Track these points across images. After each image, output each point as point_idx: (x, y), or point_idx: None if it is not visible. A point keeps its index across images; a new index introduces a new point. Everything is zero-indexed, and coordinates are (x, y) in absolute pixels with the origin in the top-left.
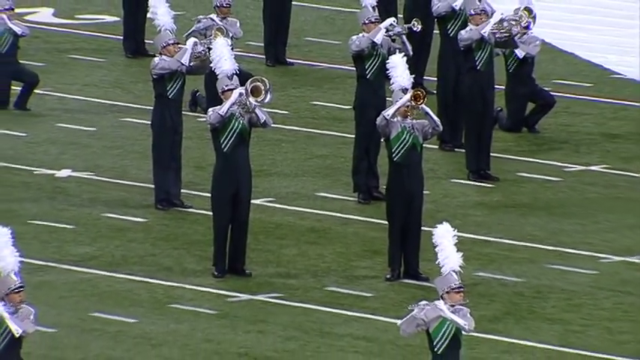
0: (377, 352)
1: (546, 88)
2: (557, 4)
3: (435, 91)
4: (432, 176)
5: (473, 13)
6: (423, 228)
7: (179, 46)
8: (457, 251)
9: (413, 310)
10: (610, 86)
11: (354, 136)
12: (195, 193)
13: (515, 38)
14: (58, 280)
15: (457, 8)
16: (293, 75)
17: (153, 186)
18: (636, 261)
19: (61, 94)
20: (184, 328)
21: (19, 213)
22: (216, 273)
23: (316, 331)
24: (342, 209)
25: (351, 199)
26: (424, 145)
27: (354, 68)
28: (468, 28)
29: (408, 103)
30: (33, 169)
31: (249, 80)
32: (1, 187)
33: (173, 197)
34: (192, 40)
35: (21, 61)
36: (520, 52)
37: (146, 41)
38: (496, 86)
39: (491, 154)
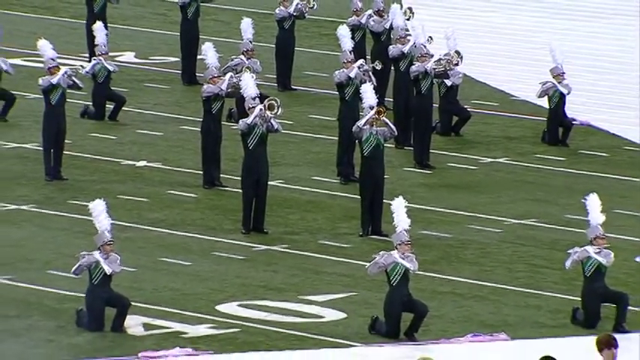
0: (353, 285)
1: (466, 106)
2: (474, 49)
3: (391, 108)
4: (390, 166)
5: (420, 55)
6: (384, 201)
7: (220, 78)
8: (407, 216)
9: (375, 257)
10: (510, 105)
11: (337, 138)
12: (230, 177)
13: (448, 72)
14: (137, 236)
15: (406, 52)
16: (296, 97)
17: (202, 172)
18: (528, 223)
19: (140, 110)
20: (222, 269)
21: (110, 190)
22: (244, 231)
23: (312, 271)
24: (330, 188)
25: (336, 181)
26: (385, 144)
27: (337, 93)
28: (416, 64)
29: (374, 116)
30: (120, 160)
31: (266, 100)
32: (99, 173)
33: (215, 180)
34: (229, 74)
35: (112, 88)
36: (449, 82)
37: (197, 74)
38: (434, 104)
39: (430, 150)
